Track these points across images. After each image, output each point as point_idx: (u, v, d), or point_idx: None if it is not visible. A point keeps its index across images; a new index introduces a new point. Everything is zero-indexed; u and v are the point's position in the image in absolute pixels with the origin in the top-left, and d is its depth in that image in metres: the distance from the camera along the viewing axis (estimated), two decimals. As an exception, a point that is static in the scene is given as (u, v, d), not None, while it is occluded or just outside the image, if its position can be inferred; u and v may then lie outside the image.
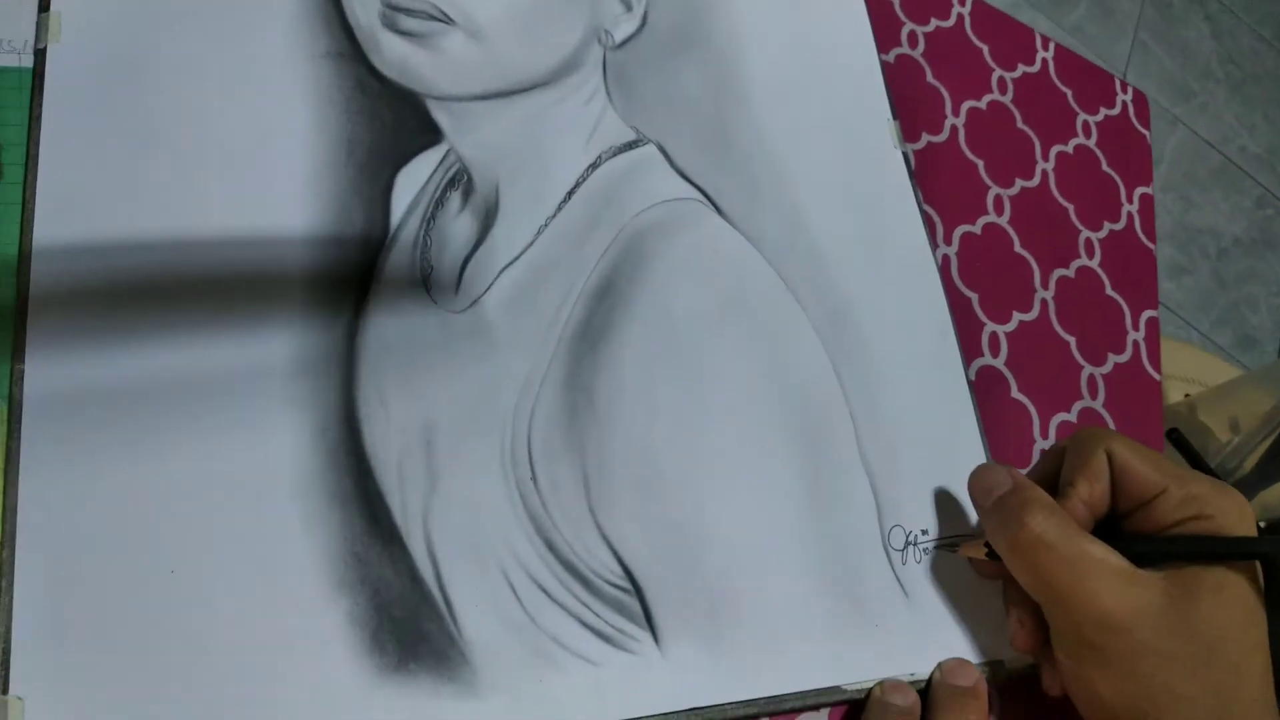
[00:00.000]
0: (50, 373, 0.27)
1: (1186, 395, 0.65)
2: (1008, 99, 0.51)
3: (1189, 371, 0.67)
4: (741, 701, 0.31)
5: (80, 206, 0.29)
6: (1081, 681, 0.32)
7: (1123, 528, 0.35)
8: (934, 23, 0.51)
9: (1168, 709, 0.31)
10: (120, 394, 0.28)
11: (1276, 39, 2.08)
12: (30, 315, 0.28)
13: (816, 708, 0.33)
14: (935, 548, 0.37)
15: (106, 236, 0.29)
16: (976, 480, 0.36)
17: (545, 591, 0.30)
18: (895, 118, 0.44)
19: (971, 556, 0.36)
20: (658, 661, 0.31)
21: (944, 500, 0.38)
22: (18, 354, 0.27)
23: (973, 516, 0.38)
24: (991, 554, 0.34)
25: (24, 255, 0.28)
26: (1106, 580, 0.31)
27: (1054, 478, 0.36)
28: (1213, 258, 1.71)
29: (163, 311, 0.29)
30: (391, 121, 0.34)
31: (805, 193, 0.40)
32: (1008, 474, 0.35)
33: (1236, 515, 0.33)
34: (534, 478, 0.31)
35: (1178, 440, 0.59)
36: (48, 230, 0.29)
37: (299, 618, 0.27)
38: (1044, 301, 0.47)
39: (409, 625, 0.28)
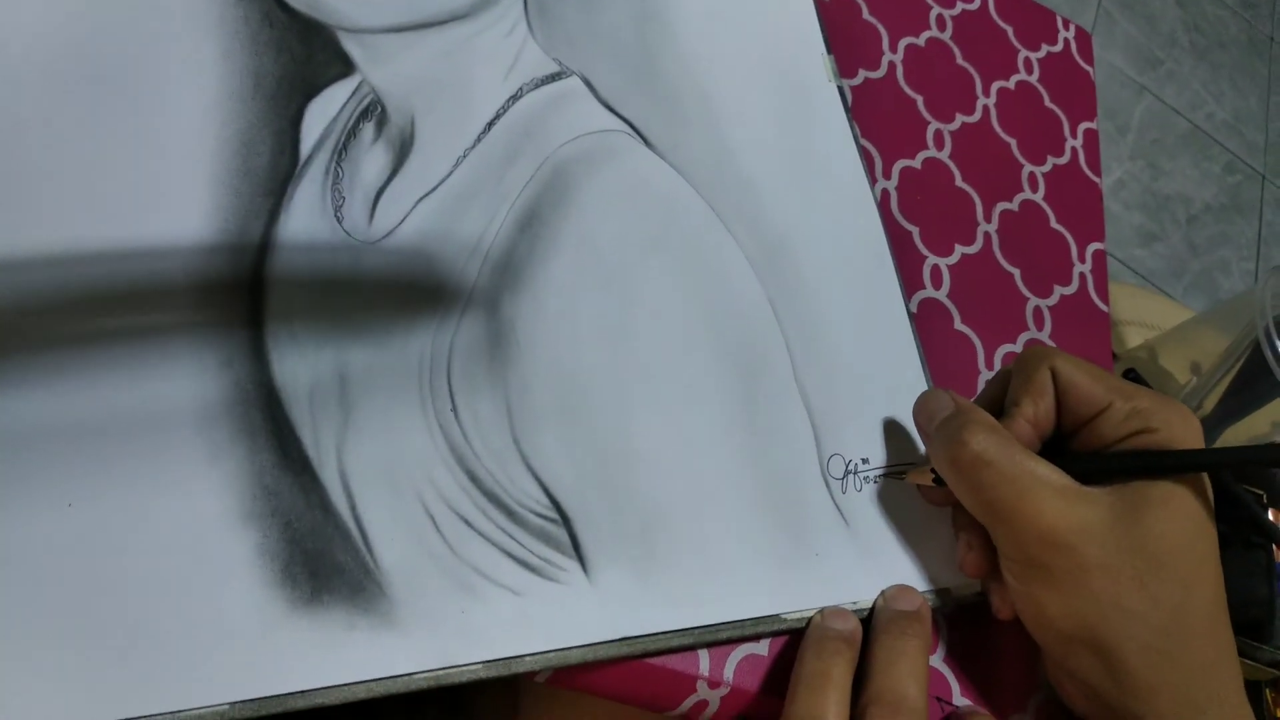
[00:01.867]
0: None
1: (1146, 340, 0.65)
2: (947, 36, 0.50)
3: (1149, 316, 0.67)
4: (675, 631, 0.31)
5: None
6: (1030, 601, 0.32)
7: (1069, 446, 0.34)
8: (870, -39, 0.50)
9: (1117, 624, 0.30)
10: (12, 323, 0.27)
11: (1240, 6, 2.09)
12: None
13: (755, 638, 0.33)
14: (883, 476, 0.36)
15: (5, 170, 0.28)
16: (920, 405, 0.35)
17: (467, 522, 0.29)
18: (830, 52, 0.44)
19: (919, 483, 0.36)
20: (586, 591, 0.30)
21: (885, 429, 0.37)
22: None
23: (914, 445, 0.37)
24: (938, 480, 0.34)
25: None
26: (1050, 498, 0.31)
27: (1000, 402, 0.36)
28: (1183, 224, 1.71)
29: (61, 239, 0.28)
30: (301, 53, 0.33)
31: (735, 124, 0.39)
32: (950, 398, 0.34)
33: (1182, 428, 0.32)
34: (454, 409, 0.30)
35: (1135, 380, 0.59)
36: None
37: (204, 550, 0.26)
38: (987, 234, 0.46)
39: (322, 557, 0.27)
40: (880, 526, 0.35)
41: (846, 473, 0.35)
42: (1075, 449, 0.34)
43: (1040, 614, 0.32)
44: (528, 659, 0.28)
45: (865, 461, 0.36)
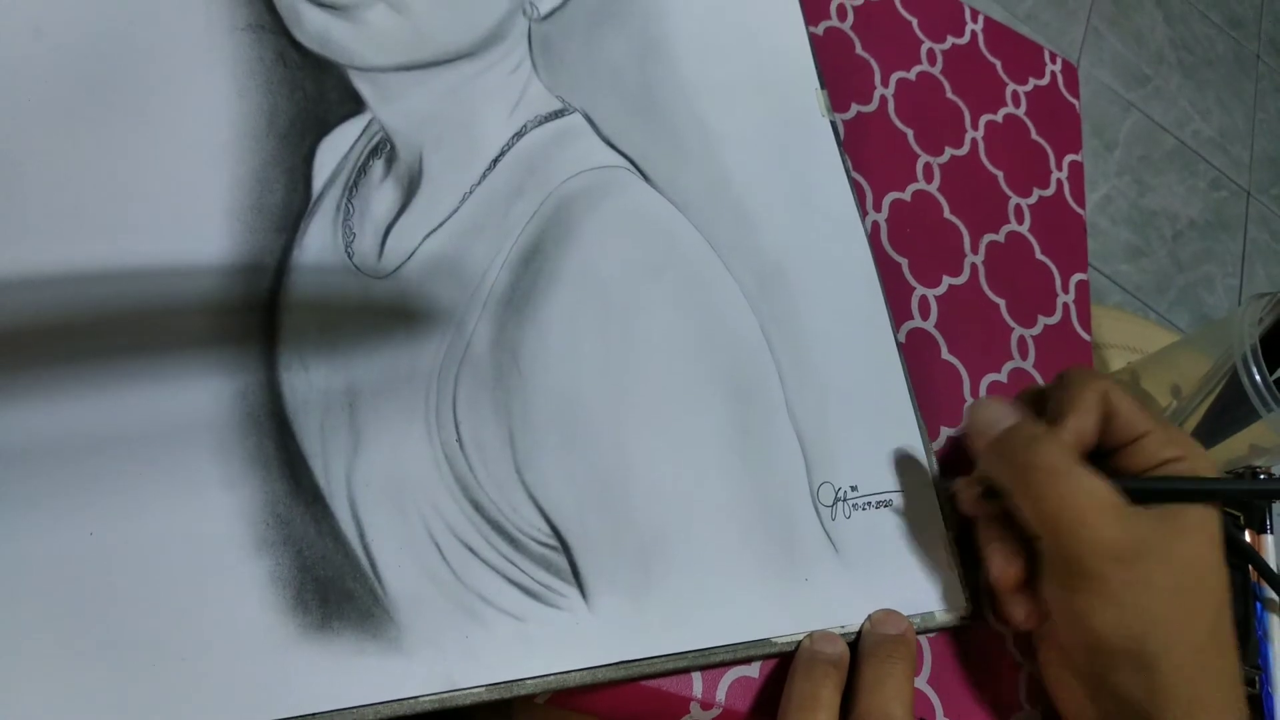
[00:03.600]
0: (-35, 341, 0.27)
1: (1129, 364, 0.67)
2: (937, 70, 0.52)
3: (1131, 340, 0.68)
4: (669, 655, 0.32)
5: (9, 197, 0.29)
6: (1073, 613, 0.33)
7: (1108, 464, 0.36)
8: (863, -4, 0.51)
9: (1162, 637, 0.32)
10: (39, 355, 0.28)
11: (1227, 24, 2.11)
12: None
13: (747, 660, 0.34)
14: (870, 504, 0.37)
15: (24, 205, 0.29)
16: (978, 415, 0.37)
17: (471, 550, 0.30)
18: (823, 87, 0.45)
19: (963, 493, 0.37)
20: (585, 616, 0.31)
21: (873, 457, 0.39)
22: (-69, 323, 0.27)
23: (900, 473, 0.39)
24: (988, 492, 0.36)
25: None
26: (1111, 513, 0.33)
27: (1037, 415, 0.37)
28: (1169, 240, 1.73)
29: (83, 271, 0.29)
30: (313, 92, 0.34)
31: (731, 159, 0.40)
32: (1010, 409, 0.36)
33: (1205, 461, 0.35)
34: (459, 439, 0.32)
35: (1115, 404, 0.61)
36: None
37: (219, 577, 0.27)
38: (974, 266, 0.48)
39: (333, 585, 0.28)
40: (867, 553, 0.37)
41: (836, 500, 0.37)
42: (1112, 466, 0.36)
43: (1083, 624, 0.33)
44: (529, 682, 0.30)
45: (854, 489, 0.37)
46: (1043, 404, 0.38)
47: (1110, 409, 0.36)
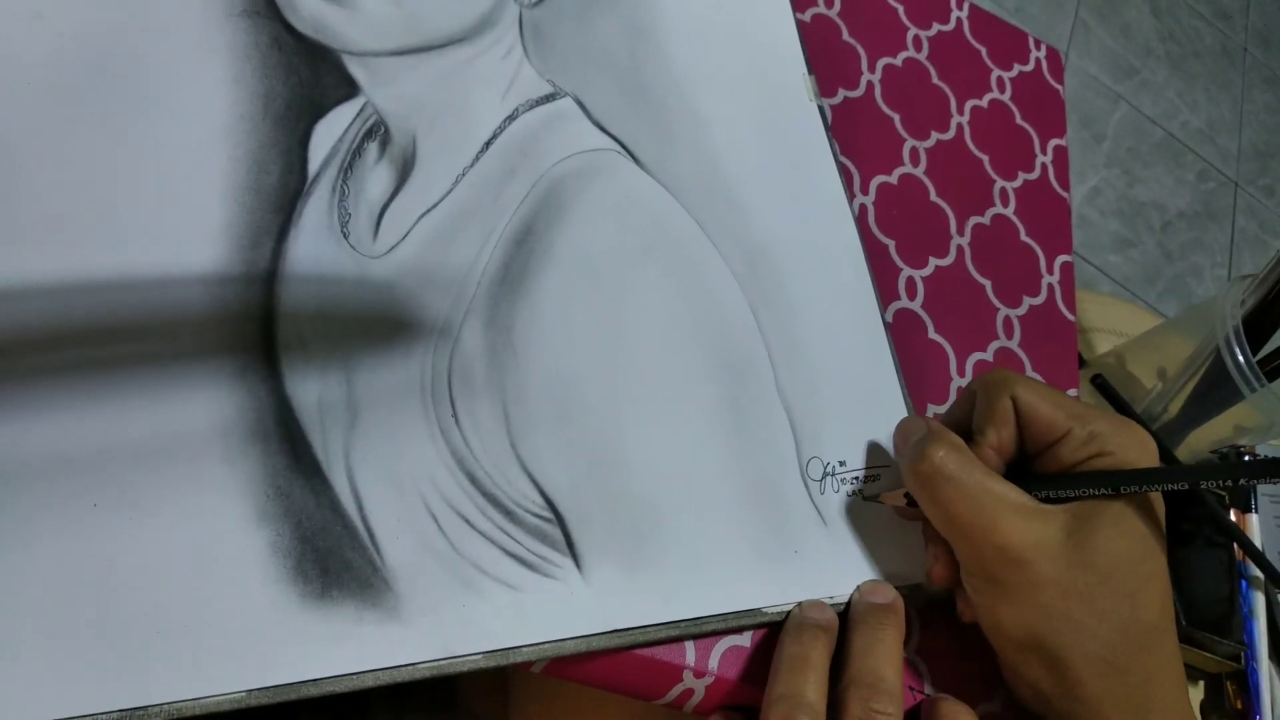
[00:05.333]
0: (-31, 319, 0.28)
1: (1115, 347, 0.67)
2: (923, 56, 0.53)
3: (1117, 324, 0.69)
4: (662, 624, 0.32)
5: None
6: (986, 611, 0.34)
7: (1031, 469, 0.36)
8: (850, -17, 0.52)
9: (1066, 636, 0.32)
10: (42, 330, 0.28)
11: (1215, 16, 2.13)
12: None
13: (739, 630, 0.35)
14: (858, 478, 0.38)
15: (25, 190, 0.30)
16: (898, 428, 0.38)
17: (467, 521, 0.31)
18: (810, 73, 0.46)
19: (894, 504, 0.38)
20: (580, 586, 0.32)
21: (861, 434, 0.39)
22: (-64, 301, 0.28)
23: (888, 448, 0.39)
24: (910, 501, 0.36)
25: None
26: (1006, 514, 0.33)
27: (968, 421, 0.38)
28: (1157, 231, 1.74)
29: (85, 255, 0.30)
30: (308, 76, 0.35)
31: (720, 142, 0.41)
32: (924, 422, 0.36)
33: (1137, 450, 0.35)
34: (455, 414, 0.32)
35: (1102, 386, 0.61)
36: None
37: (220, 548, 0.28)
38: (960, 248, 0.49)
39: (332, 555, 0.29)
40: (855, 526, 0.37)
41: (825, 475, 0.37)
42: (1037, 471, 0.36)
43: (996, 624, 0.34)
44: (524, 650, 0.30)
45: (842, 464, 0.38)
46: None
47: (1025, 413, 0.35)
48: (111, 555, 0.27)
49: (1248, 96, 2.05)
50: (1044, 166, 0.54)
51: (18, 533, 0.26)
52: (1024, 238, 0.51)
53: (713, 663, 0.34)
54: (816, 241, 0.42)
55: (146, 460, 0.28)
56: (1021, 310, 0.49)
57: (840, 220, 0.43)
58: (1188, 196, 1.82)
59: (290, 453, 0.30)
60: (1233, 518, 0.62)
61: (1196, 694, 0.58)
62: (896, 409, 0.40)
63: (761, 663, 0.34)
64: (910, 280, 0.46)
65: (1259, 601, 0.60)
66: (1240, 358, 0.56)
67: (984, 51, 0.56)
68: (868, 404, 0.40)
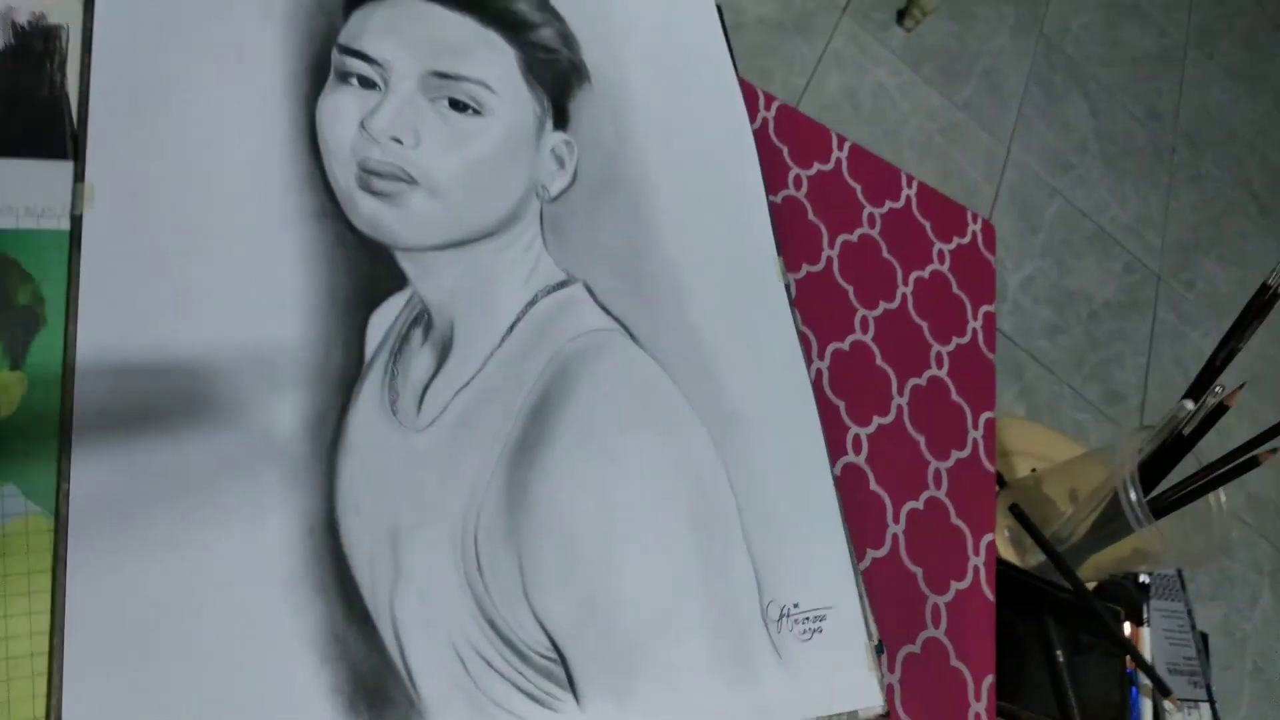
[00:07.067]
0: (87, 490, 0.34)
1: (1033, 470, 0.76)
2: (875, 232, 0.61)
3: (1035, 448, 0.78)
4: (642, 750, 0.39)
5: (112, 349, 0.36)
6: None
7: None
8: (815, 166, 0.60)
9: None
10: (144, 500, 0.34)
11: (1147, 117, 2.27)
12: (74, 444, 0.34)
13: (703, 752, 0.41)
14: (806, 618, 0.45)
15: (138, 376, 0.36)
16: None
17: (487, 662, 0.38)
18: (780, 254, 0.53)
19: None
20: (577, 718, 0.38)
21: (811, 578, 0.46)
22: (63, 475, 0.34)
23: (829, 590, 0.47)
24: None
25: (66, 392, 0.35)
26: None
27: None
28: (1085, 319, 1.86)
29: (182, 431, 0.36)
30: (366, 271, 0.41)
31: (702, 320, 0.48)
32: None
33: None
34: (479, 568, 0.39)
35: (1018, 514, 0.70)
36: (87, 372, 0.35)
37: (290, 690, 0.34)
38: (899, 407, 0.56)
39: (378, 692, 0.35)
40: (805, 660, 0.44)
41: (781, 615, 0.44)
42: None
43: None
44: (530, 772, 0.37)
45: (795, 606, 0.45)
46: None
47: None
48: (197, 693, 0.33)
49: (1174, 194, 2.20)
50: (974, 331, 0.63)
51: (128, 677, 0.32)
52: (954, 397, 0.59)
53: (681, 781, 0.41)
54: (779, 407, 0.49)
55: (234, 613, 0.34)
56: (949, 463, 0.57)
57: (800, 389, 0.50)
58: (1114, 287, 1.95)
59: (346, 603, 0.36)
60: (1128, 631, 0.71)
61: (1087, 790, 0.66)
62: (841, 556, 0.48)
63: (721, 782, 0.41)
64: (856, 437, 0.54)
65: (1146, 707, 0.68)
66: (1133, 497, 0.64)
67: (928, 226, 0.64)
68: (818, 552, 0.47)
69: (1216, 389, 0.63)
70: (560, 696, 0.38)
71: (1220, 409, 0.63)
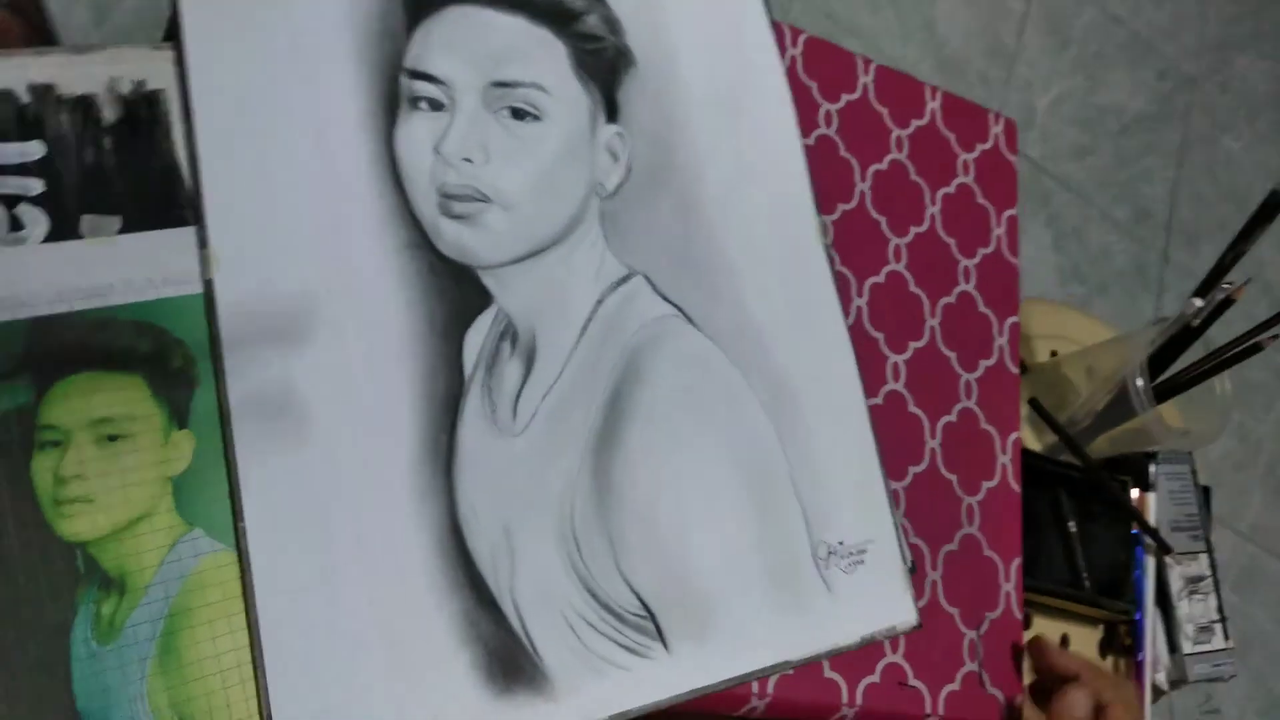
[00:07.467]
0: (258, 524, 0.41)
1: (1053, 353, 0.82)
2: (904, 155, 0.64)
3: (1054, 329, 0.83)
4: (724, 680, 0.48)
5: (254, 395, 0.42)
6: None
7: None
8: (844, 98, 0.63)
9: None
10: (302, 529, 0.42)
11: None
12: (241, 485, 0.41)
13: (769, 675, 0.50)
14: (851, 554, 0.53)
15: (283, 417, 0.42)
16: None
17: (592, 626, 0.45)
18: (819, 214, 0.57)
19: None
20: (668, 662, 0.47)
21: (853, 516, 0.53)
22: (238, 515, 0.41)
23: (870, 526, 0.54)
24: None
25: (228, 441, 0.41)
26: None
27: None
28: (1114, 134, 1.85)
29: (321, 467, 0.42)
30: (456, 294, 0.46)
31: (750, 295, 0.53)
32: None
33: (1126, 698, 0.55)
34: (579, 549, 0.46)
35: (1036, 407, 0.76)
36: (241, 419, 0.41)
37: (439, 671, 0.42)
38: (932, 329, 0.62)
39: (510, 663, 0.43)
40: (851, 590, 0.52)
41: (829, 553, 0.52)
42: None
43: None
44: (633, 710, 0.45)
45: (841, 544, 0.52)
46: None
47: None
48: (365, 678, 0.41)
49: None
50: (999, 239, 0.67)
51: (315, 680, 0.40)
52: (981, 308, 0.65)
53: (770, 687, 0.50)
54: (821, 369, 0.54)
55: (393, 615, 0.42)
56: (978, 373, 0.63)
57: (840, 347, 0.55)
58: (1145, 97, 1.92)
59: (475, 592, 0.44)
60: (1136, 496, 0.78)
61: (1096, 635, 0.75)
62: (880, 494, 0.54)
63: (797, 679, 0.50)
64: (895, 365, 0.59)
65: (1149, 563, 0.77)
66: (1140, 384, 0.70)
67: (953, 139, 0.67)
68: (859, 494, 0.54)
69: (1225, 285, 0.67)
70: (652, 646, 0.46)
71: (1227, 301, 0.68)
